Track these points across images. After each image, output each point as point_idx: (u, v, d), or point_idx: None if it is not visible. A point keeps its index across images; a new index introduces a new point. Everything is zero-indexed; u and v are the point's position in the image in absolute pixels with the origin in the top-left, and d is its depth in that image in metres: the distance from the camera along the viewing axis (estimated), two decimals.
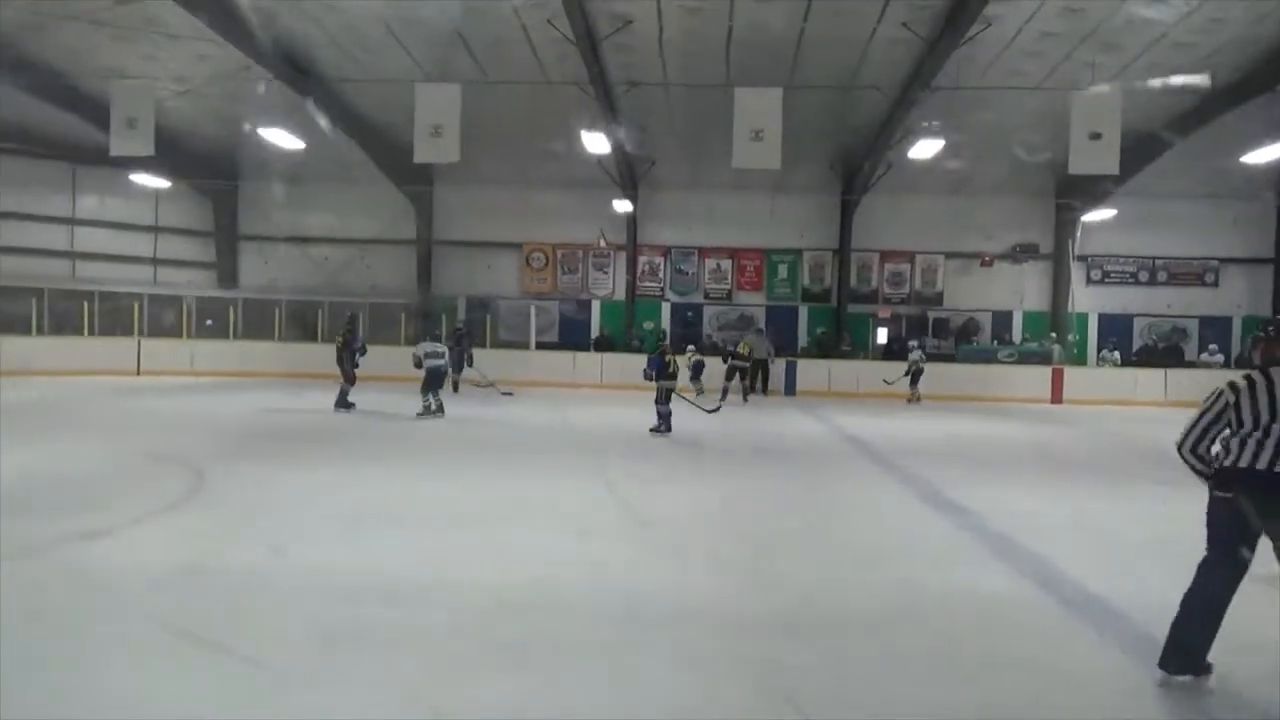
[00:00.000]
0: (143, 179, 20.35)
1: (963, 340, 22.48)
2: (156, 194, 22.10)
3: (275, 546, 5.43)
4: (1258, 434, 3.47)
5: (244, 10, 14.17)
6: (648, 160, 21.51)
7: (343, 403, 12.93)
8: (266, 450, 9.43)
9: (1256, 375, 3.57)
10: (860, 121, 18.64)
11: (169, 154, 17.81)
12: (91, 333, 19.57)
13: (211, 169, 22.07)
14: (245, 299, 22.23)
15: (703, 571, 5.23)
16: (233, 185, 23.02)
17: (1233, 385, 3.60)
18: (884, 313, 23.19)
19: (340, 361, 13.09)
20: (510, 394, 16.24)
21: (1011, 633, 4.28)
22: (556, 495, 7.41)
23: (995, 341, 22.41)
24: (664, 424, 11.31)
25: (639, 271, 23.32)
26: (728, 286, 23.37)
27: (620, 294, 23.33)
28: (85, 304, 19.76)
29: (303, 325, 21.90)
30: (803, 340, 22.77)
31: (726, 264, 23.36)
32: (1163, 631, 3.59)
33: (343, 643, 3.89)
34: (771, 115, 14.05)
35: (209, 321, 21.72)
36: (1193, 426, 3.66)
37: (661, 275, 23.45)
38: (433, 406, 12.52)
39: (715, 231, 23.03)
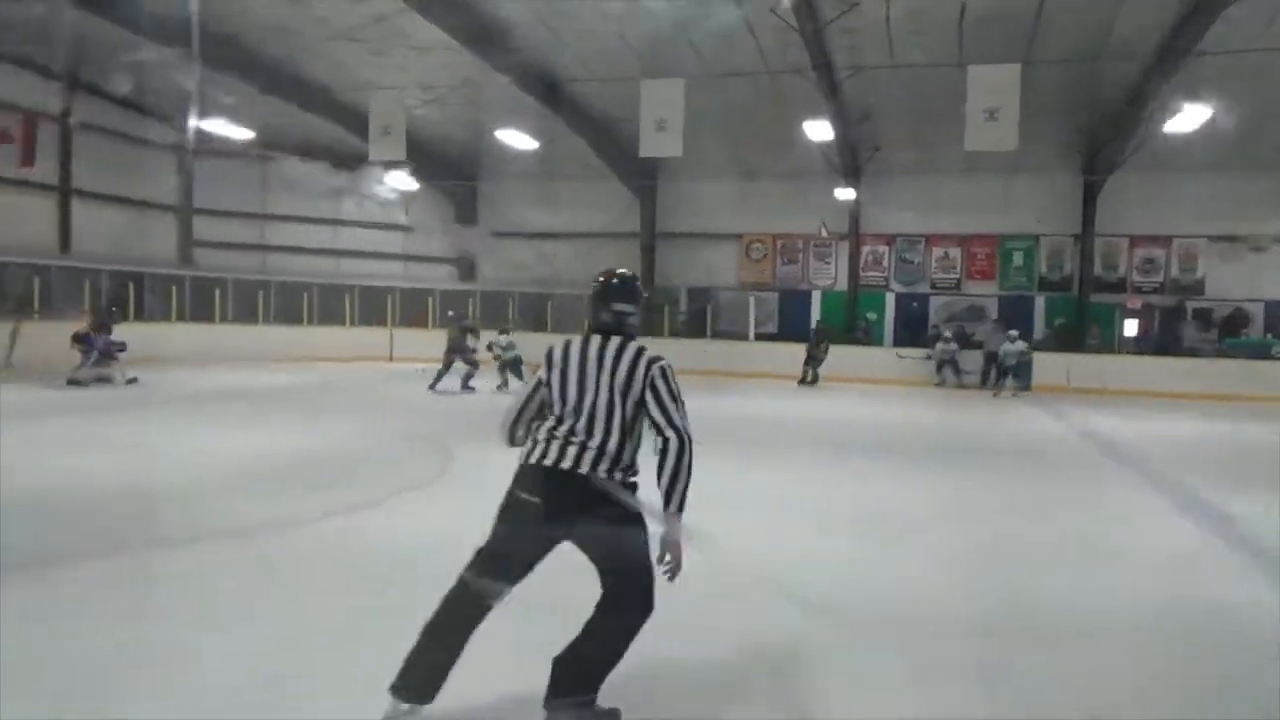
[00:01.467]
0: (395, 181, 22.23)
1: (1229, 333, 20.21)
2: (406, 195, 24.04)
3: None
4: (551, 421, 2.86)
5: (485, 20, 15.11)
6: (871, 146, 20.90)
7: (467, 385, 14.32)
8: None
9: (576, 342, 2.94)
10: (1107, 94, 17.16)
11: (417, 157, 19.34)
12: (352, 323, 21.61)
13: (454, 170, 23.70)
14: (483, 291, 23.72)
15: (935, 570, 5.06)
16: (472, 185, 24.61)
17: (548, 356, 2.97)
18: (1133, 302, 21.24)
19: (460, 350, 14.54)
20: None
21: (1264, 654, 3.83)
22: (796, 487, 7.41)
23: (1269, 335, 19.96)
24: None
25: (862, 261, 22.74)
26: (956, 275, 22.29)
27: (842, 284, 22.85)
28: (347, 297, 21.85)
29: (534, 316, 23.08)
30: (1038, 332, 21.29)
31: (955, 252, 22.28)
32: None
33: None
34: (1008, 92, 13.23)
35: (450, 312, 23.33)
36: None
37: (885, 265, 22.73)
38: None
39: (943, 218, 22.00)
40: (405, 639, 2.84)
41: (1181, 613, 4.44)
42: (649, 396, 2.80)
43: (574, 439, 2.80)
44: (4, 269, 17.46)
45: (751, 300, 22.35)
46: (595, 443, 2.78)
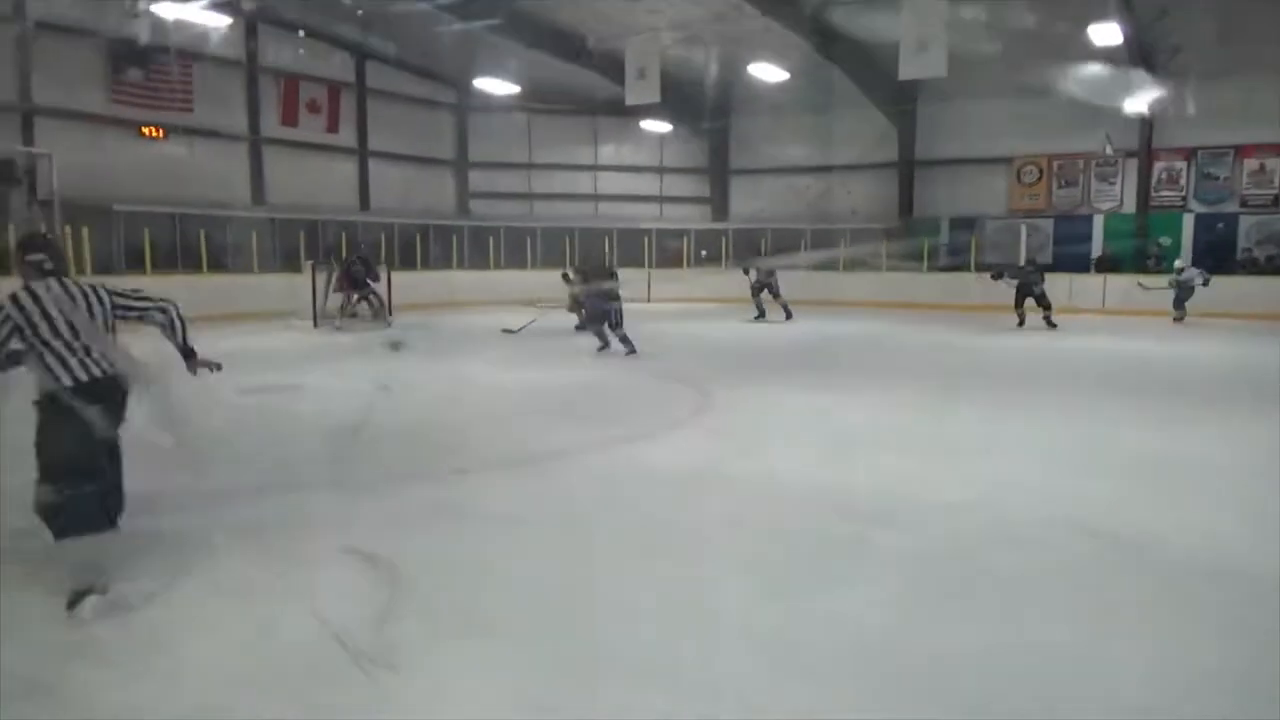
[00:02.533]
0: (650, 125, 22.70)
1: None
2: (660, 137, 24.48)
3: (772, 460, 5.88)
4: None
5: None
6: (1169, 49, 18.47)
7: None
8: (763, 372, 10.15)
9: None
10: None
11: (670, 99, 19.57)
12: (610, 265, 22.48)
13: (706, 109, 23.77)
14: (735, 230, 23.79)
15: (1229, 521, 4.56)
16: (724, 123, 24.58)
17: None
18: None
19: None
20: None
21: None
22: (1049, 429, 6.94)
23: None
24: None
25: (1154, 179, 20.36)
26: (1275, 191, 19.40)
27: (1129, 206, 20.63)
28: (605, 240, 22.72)
29: (788, 252, 22.85)
30: None
31: (1275, 163, 19.36)
32: None
33: (837, 554, 4.11)
34: None
35: (704, 252, 23.70)
36: None
37: (1183, 182, 20.22)
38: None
39: (1259, 126, 19.12)
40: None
41: None
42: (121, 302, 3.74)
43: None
44: (319, 225, 19.77)
45: (1023, 228, 20.75)
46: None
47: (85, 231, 14.35)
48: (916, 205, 22.62)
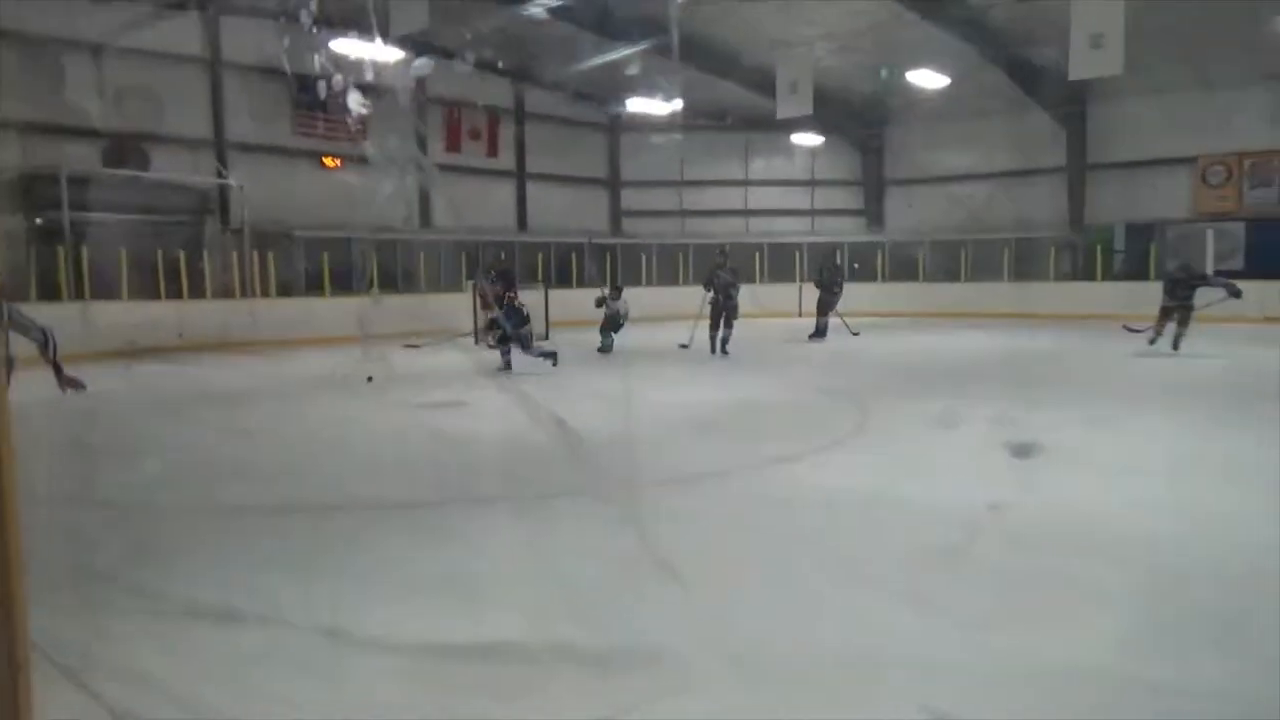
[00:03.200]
0: (801, 138, 22.42)
1: None
2: (812, 150, 24.13)
3: (940, 481, 5.61)
4: None
5: None
6: None
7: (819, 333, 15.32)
8: (920, 387, 9.77)
9: None
10: None
11: (822, 111, 19.26)
12: (761, 280, 22.30)
13: (860, 120, 23.29)
14: (891, 242, 23.13)
15: None
16: (878, 133, 23.99)
17: None
18: None
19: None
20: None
21: None
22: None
23: None
24: None
25: None
26: None
27: None
28: (756, 255, 22.57)
29: (946, 266, 22.05)
30: None
31: None
32: None
33: (1024, 587, 3.85)
34: None
35: (856, 265, 23.16)
36: None
37: None
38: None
39: None
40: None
41: None
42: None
43: None
44: (480, 246, 20.55)
45: (1209, 234, 19.18)
46: None
47: (270, 256, 15.46)
48: (1089, 211, 21.32)
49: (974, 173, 22.47)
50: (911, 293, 20.94)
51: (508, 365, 11.07)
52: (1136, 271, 19.35)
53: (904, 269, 22.46)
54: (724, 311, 12.92)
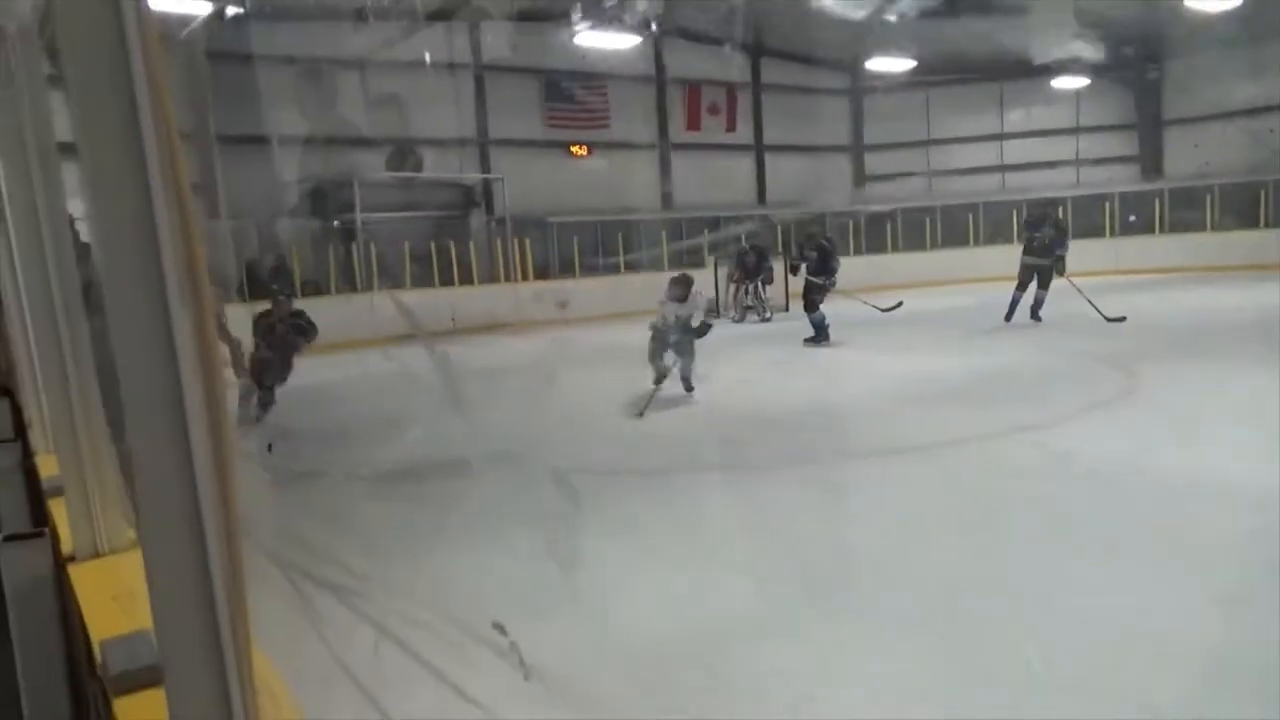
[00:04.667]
0: (1063, 82, 20.70)
1: None
2: (1077, 94, 22.18)
3: (1205, 452, 5.15)
4: None
5: None
6: None
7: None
8: (1202, 351, 8.85)
9: None
10: None
11: (1087, 49, 17.64)
12: (1018, 240, 20.80)
13: (1134, 56, 21.02)
14: (1171, 189, 20.82)
15: None
16: (1157, 69, 21.57)
17: None
18: None
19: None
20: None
21: None
22: None
23: None
24: None
25: None
26: None
27: None
28: (1014, 212, 21.10)
29: (1239, 211, 19.53)
30: None
31: None
32: None
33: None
34: None
35: (1132, 217, 21.04)
36: None
37: None
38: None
39: None
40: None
41: None
42: None
43: None
44: (719, 222, 20.83)
45: None
46: None
47: (527, 243, 16.58)
48: None
49: (1274, 103, 19.62)
50: (1200, 244, 18.74)
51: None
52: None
53: (1187, 220, 20.11)
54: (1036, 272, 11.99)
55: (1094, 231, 20.51)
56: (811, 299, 11.02)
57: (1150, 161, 22.24)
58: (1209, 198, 19.80)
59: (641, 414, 7.08)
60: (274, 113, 14.37)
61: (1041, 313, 12.09)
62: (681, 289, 7.81)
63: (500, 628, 2.89)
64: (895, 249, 21.38)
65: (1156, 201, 20.54)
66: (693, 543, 4.18)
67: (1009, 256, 20.10)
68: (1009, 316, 12.06)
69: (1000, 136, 23.48)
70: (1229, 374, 7.37)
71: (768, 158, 22.66)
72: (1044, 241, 12.07)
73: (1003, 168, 23.42)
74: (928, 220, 21.58)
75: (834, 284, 11.19)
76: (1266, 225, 18.86)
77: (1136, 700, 2.62)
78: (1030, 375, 8.31)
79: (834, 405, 7.44)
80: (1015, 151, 23.31)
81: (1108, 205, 20.76)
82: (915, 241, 21.37)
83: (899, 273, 19.24)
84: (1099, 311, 11.28)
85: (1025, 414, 6.43)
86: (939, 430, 6.16)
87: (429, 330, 11.47)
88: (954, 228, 21.30)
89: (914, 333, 11.71)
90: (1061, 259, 11.99)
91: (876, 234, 21.70)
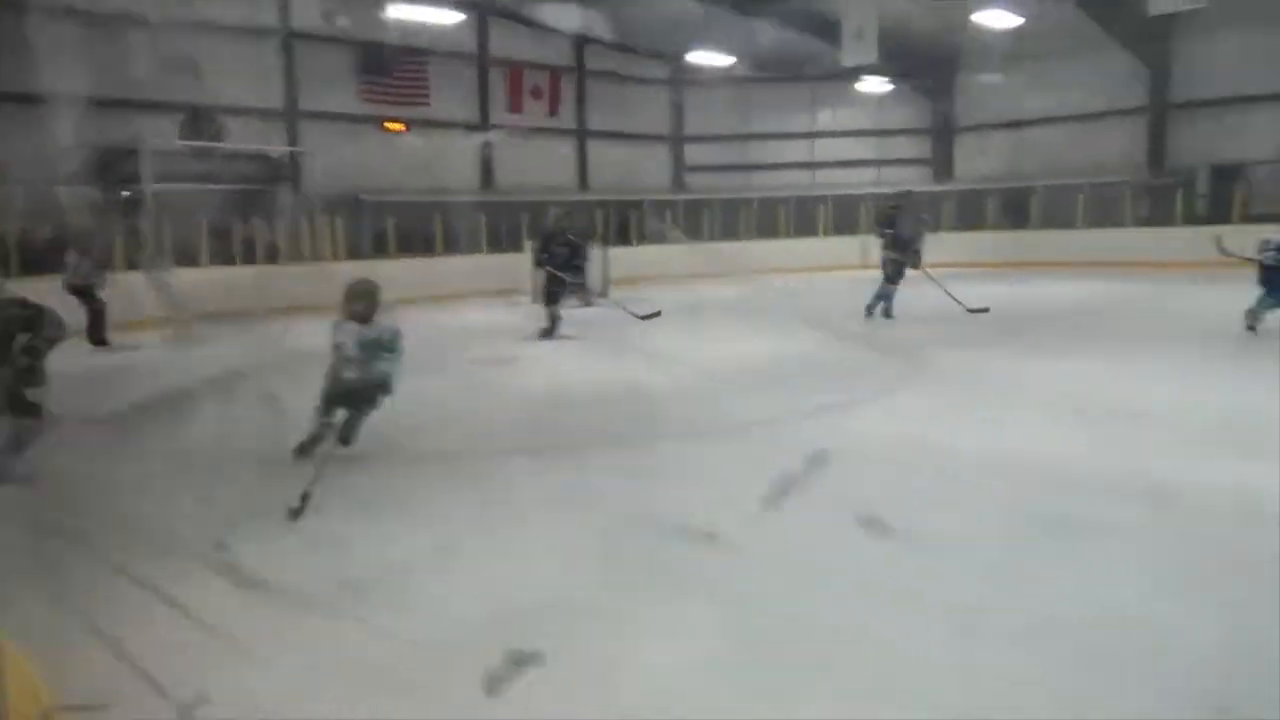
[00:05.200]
0: (867, 86, 21.93)
1: None
2: (879, 99, 23.57)
3: (982, 430, 5.61)
4: None
5: None
6: None
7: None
8: (975, 339, 9.62)
9: None
10: None
11: (888, 58, 18.73)
12: (826, 233, 21.95)
13: (928, 66, 22.54)
14: (960, 190, 22.54)
15: None
16: (948, 79, 23.24)
17: None
18: None
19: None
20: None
21: None
22: None
23: None
24: None
25: None
26: None
27: None
28: (821, 208, 22.21)
29: (1014, 212, 21.40)
30: None
31: None
32: None
33: (1045, 532, 3.87)
34: None
35: (924, 216, 22.52)
36: None
37: None
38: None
39: None
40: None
41: None
42: None
43: None
44: (540, 206, 20.69)
45: None
46: None
47: (338, 221, 15.86)
48: (1170, 152, 20.40)
49: (1050, 116, 21.60)
50: (979, 242, 20.37)
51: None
52: (1220, 216, 18.45)
53: (972, 220, 21.83)
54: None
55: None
56: (552, 291, 10.57)
57: (942, 165, 24.00)
58: (988, 200, 21.60)
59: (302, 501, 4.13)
60: (51, 69, 12.99)
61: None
62: (364, 305, 5.05)
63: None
64: (713, 238, 21.98)
65: (945, 202, 22.12)
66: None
67: (817, 248, 21.23)
68: (888, 312, 11.65)
69: (811, 135, 24.67)
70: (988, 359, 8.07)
71: (590, 143, 22.74)
72: (905, 235, 11.71)
73: (813, 165, 24.59)
74: (742, 211, 22.30)
75: (582, 283, 10.76)
76: (1033, 226, 20.77)
77: None
78: (827, 362, 8.75)
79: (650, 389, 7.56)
80: (824, 150, 24.58)
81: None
82: (732, 231, 22.03)
83: (714, 261, 19.81)
84: (959, 303, 11.39)
85: (825, 396, 6.77)
86: (748, 412, 6.39)
87: (192, 313, 10.72)
88: (768, 219, 22.13)
89: (735, 319, 12.04)
90: (918, 253, 11.72)
91: (694, 222, 22.26)
